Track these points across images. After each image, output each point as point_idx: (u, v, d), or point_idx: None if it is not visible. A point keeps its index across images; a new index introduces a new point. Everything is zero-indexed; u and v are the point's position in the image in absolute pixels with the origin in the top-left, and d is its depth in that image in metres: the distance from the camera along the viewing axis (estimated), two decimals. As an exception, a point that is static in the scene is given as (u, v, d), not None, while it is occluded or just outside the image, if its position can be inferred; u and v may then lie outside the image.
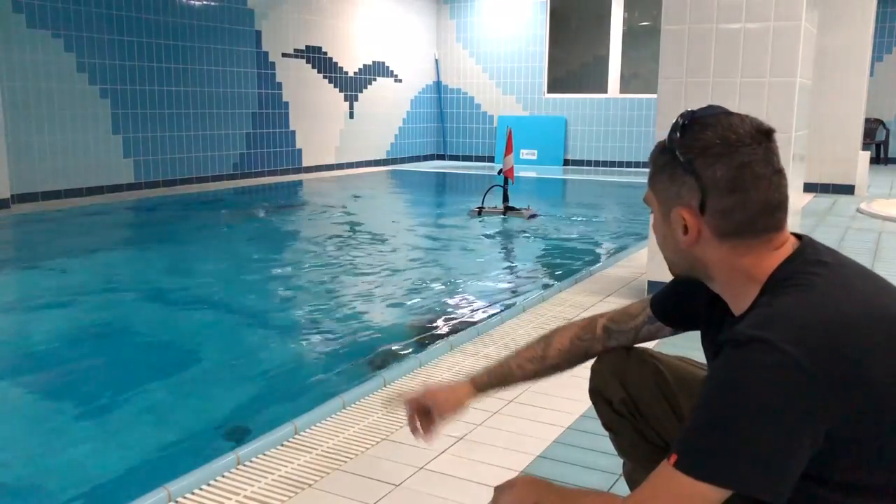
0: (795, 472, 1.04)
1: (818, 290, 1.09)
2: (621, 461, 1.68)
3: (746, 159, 1.12)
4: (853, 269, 1.16)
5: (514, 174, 7.55)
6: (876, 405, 1.04)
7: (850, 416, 1.03)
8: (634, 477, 1.59)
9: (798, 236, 1.20)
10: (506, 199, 7.37)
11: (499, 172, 7.46)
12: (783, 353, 1.01)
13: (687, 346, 1.89)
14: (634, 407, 1.52)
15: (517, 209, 7.26)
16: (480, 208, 7.34)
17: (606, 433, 1.63)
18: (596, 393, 1.57)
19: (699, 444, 1.06)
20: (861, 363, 1.03)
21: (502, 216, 7.21)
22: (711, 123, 1.15)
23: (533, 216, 7.17)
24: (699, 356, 1.66)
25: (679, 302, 1.44)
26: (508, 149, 7.42)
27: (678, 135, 1.16)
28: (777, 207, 1.14)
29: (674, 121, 1.19)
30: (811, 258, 1.15)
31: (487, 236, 6.46)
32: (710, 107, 1.19)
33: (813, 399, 1.01)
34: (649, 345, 1.58)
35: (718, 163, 1.12)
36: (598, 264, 4.96)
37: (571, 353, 1.56)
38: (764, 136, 1.14)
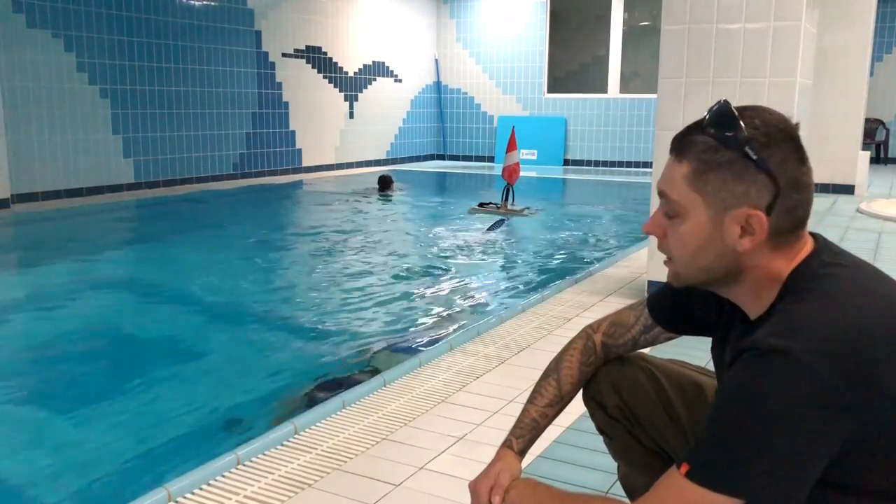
0: (811, 482, 1.03)
1: (838, 296, 1.07)
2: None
3: (804, 154, 1.11)
4: (869, 272, 1.14)
5: (514, 174, 7.42)
6: (892, 411, 1.03)
7: (867, 423, 1.02)
8: (630, 480, 1.58)
9: (812, 234, 1.17)
10: (505, 198, 7.40)
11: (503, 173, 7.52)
12: (804, 365, 1.00)
13: (681, 350, 1.89)
14: (629, 411, 1.50)
15: (485, 206, 7.36)
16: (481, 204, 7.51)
17: None
18: (590, 398, 1.55)
19: (715, 455, 1.05)
20: (881, 373, 1.01)
21: (471, 212, 7.36)
22: (761, 116, 1.11)
23: (498, 224, 6.78)
24: (693, 359, 1.66)
25: (681, 306, 1.41)
26: (510, 146, 7.40)
27: (733, 130, 1.09)
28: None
29: (710, 115, 1.11)
30: (828, 260, 1.13)
31: (488, 236, 6.45)
32: (726, 101, 1.14)
33: (833, 411, 1.00)
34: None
35: (789, 159, 1.09)
36: (598, 264, 4.96)
37: (582, 381, 1.53)
38: (794, 127, 1.13)
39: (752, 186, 1.09)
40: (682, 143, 1.13)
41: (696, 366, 1.57)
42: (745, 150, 1.08)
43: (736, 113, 1.11)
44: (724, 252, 1.13)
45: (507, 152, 7.45)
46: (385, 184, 8.98)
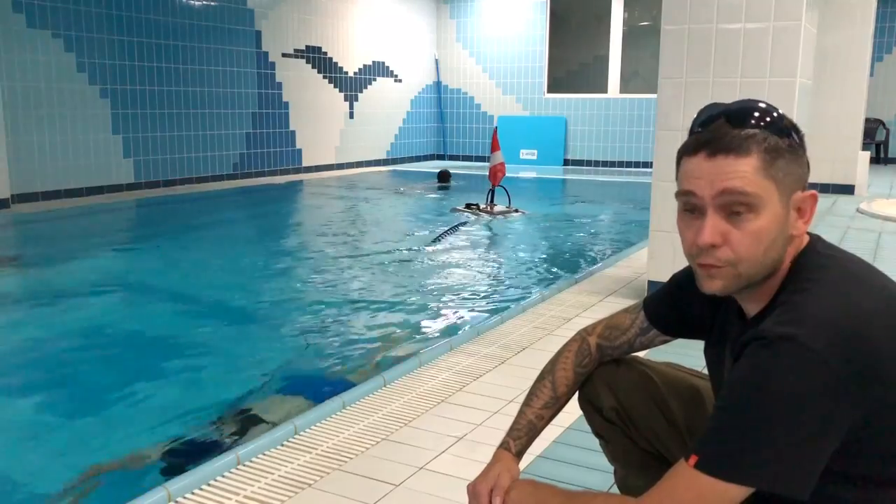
0: (820, 468, 1.04)
1: (840, 286, 1.09)
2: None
3: None
4: (862, 264, 1.16)
5: (499, 174, 7.29)
6: (892, 398, 1.04)
7: (873, 410, 1.03)
8: (628, 482, 1.58)
9: None
10: (491, 199, 7.39)
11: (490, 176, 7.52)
12: (811, 352, 1.01)
13: (678, 353, 1.89)
14: (625, 414, 1.50)
15: (471, 207, 7.44)
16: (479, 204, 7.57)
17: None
18: (586, 401, 1.55)
19: (724, 444, 1.05)
20: (885, 358, 1.03)
21: (453, 211, 7.57)
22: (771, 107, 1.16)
23: (453, 229, 6.49)
24: (689, 362, 1.66)
25: (677, 308, 1.41)
26: (493, 146, 7.35)
27: (780, 119, 1.12)
28: None
29: (753, 110, 1.12)
30: (824, 251, 1.16)
31: (488, 236, 6.46)
32: (747, 99, 1.17)
33: (840, 397, 1.01)
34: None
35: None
36: (598, 264, 4.96)
37: (577, 383, 1.53)
38: None
39: (803, 168, 1.14)
40: (735, 140, 1.10)
41: (692, 368, 1.57)
42: (793, 134, 1.12)
43: (766, 104, 1.15)
44: (785, 240, 1.13)
45: (490, 153, 7.40)
46: (444, 177, 10.09)
